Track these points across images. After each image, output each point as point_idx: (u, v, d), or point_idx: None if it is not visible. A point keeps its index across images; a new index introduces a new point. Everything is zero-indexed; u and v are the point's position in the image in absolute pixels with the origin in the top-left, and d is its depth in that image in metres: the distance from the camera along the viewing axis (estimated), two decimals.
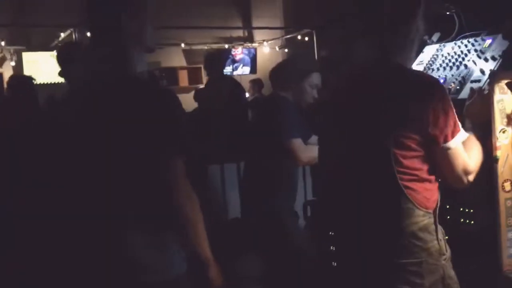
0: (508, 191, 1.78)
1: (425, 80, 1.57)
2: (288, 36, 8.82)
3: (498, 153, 1.77)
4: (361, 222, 1.59)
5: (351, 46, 1.67)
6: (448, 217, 2.13)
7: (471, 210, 2.03)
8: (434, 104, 1.48)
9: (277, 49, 9.08)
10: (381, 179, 1.53)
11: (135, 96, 1.52)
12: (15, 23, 7.56)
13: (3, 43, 7.53)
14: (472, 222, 2.02)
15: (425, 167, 1.54)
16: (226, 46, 9.03)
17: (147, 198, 1.53)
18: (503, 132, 1.77)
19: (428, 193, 1.55)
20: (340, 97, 1.69)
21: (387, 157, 1.50)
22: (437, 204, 1.58)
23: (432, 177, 1.56)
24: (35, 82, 3.83)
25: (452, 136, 1.51)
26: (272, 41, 9.02)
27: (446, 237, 1.63)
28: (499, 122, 1.77)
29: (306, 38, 8.21)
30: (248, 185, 2.77)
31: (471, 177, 1.59)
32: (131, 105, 1.51)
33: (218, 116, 3.74)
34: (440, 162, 1.54)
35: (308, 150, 2.50)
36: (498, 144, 1.77)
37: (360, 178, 1.58)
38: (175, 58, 8.74)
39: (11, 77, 4.40)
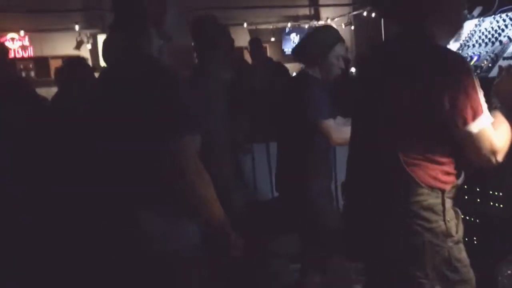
0: None
1: (447, 57, 1.49)
2: (354, 13, 8.61)
3: None
4: (370, 197, 1.59)
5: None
6: (478, 200, 2.06)
7: (500, 193, 1.94)
8: (453, 84, 1.43)
9: (343, 26, 8.90)
10: (387, 157, 1.52)
11: (144, 80, 1.57)
12: (91, 7, 7.97)
13: (77, 27, 7.96)
14: (501, 205, 1.94)
15: (437, 147, 1.50)
16: (289, 24, 8.99)
17: (158, 178, 1.57)
18: None
19: (435, 172, 1.51)
20: (367, 76, 1.67)
21: (393, 134, 1.49)
22: (449, 185, 1.53)
23: (445, 158, 1.52)
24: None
25: (473, 119, 1.45)
26: (338, 19, 8.85)
27: (466, 218, 1.63)
28: None
29: (373, 15, 7.97)
30: (284, 166, 2.78)
31: (499, 157, 1.52)
32: (141, 88, 1.56)
33: (259, 97, 3.79)
34: (463, 145, 1.49)
35: (341, 131, 2.47)
36: None
37: (371, 155, 1.58)
38: (241, 38, 8.83)
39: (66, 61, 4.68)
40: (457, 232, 1.55)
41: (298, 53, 2.74)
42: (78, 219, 1.80)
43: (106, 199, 1.66)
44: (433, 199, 1.51)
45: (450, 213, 1.54)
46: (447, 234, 1.52)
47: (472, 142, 1.47)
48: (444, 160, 1.52)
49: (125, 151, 1.60)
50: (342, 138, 2.43)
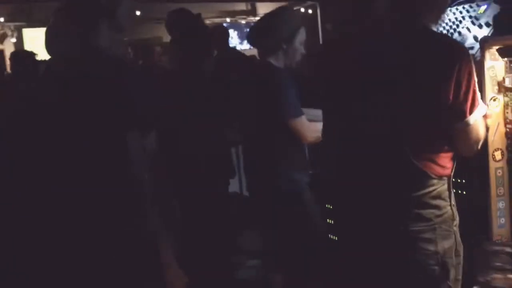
0: (499, 161, 1.75)
1: (453, 47, 1.43)
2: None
3: (489, 122, 1.72)
4: (370, 193, 1.51)
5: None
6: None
7: (463, 181, 2.00)
8: (458, 76, 1.37)
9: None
10: (395, 150, 1.45)
11: (93, 72, 1.51)
12: (16, 0, 7.52)
13: (2, 19, 7.50)
14: (465, 192, 2.00)
15: (441, 137, 1.47)
16: (229, 20, 8.93)
17: (109, 172, 1.52)
18: (494, 100, 1.73)
19: (443, 160, 1.48)
20: (349, 61, 1.53)
21: (400, 126, 1.42)
22: (452, 169, 1.52)
23: (447, 144, 1.49)
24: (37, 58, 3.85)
25: (471, 111, 1.43)
26: None
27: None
28: (490, 89, 1.73)
29: (310, 11, 8.09)
30: (258, 163, 2.58)
31: (479, 146, 1.54)
32: (90, 80, 1.50)
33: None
34: (455, 135, 1.47)
35: (313, 129, 2.29)
36: (488, 112, 1.72)
37: (373, 149, 1.49)
38: None
39: (13, 52, 4.46)
40: (456, 216, 1.55)
41: (260, 36, 2.47)
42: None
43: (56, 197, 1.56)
44: (441, 187, 1.49)
45: (453, 197, 1.54)
46: (453, 218, 1.52)
47: (465, 133, 1.46)
48: (447, 147, 1.49)
49: (74, 146, 1.53)
50: (314, 137, 2.30)
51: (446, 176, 1.49)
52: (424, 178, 1.45)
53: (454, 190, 2.00)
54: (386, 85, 1.42)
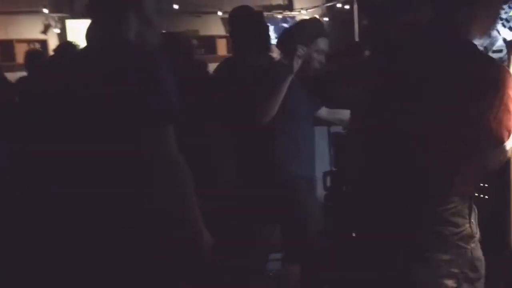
0: None
1: (497, 68, 1.40)
2: (328, 4, 8.63)
3: None
4: (392, 205, 1.51)
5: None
6: None
7: (485, 185, 1.98)
8: (500, 98, 1.35)
9: (317, 17, 8.91)
10: (424, 161, 1.44)
11: (120, 64, 1.55)
12: None
13: (46, 11, 7.71)
14: (487, 196, 1.98)
15: (469, 155, 1.44)
16: (265, 14, 8.93)
17: (135, 168, 1.55)
18: None
19: (468, 179, 1.47)
20: (388, 67, 1.54)
21: (433, 142, 1.41)
22: (474, 187, 1.52)
23: (474, 163, 1.46)
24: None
25: (509, 137, 1.41)
26: (312, 10, 8.84)
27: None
28: None
29: (347, 6, 8.01)
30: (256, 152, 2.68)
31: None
32: (116, 73, 1.53)
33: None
34: (488, 157, 1.45)
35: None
36: None
37: (399, 159, 1.48)
38: (213, 27, 8.73)
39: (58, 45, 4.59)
40: (477, 232, 1.53)
41: (280, 42, 2.74)
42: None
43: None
44: (462, 205, 1.48)
45: (473, 215, 1.53)
46: (471, 236, 1.51)
47: (498, 156, 1.45)
48: (473, 166, 1.47)
49: (98, 139, 1.57)
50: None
51: (467, 193, 1.48)
52: (447, 194, 1.44)
53: (477, 194, 2.01)
54: (421, 96, 1.41)
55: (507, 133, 1.39)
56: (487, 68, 1.39)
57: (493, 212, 1.90)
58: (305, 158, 2.65)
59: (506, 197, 1.75)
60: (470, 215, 1.50)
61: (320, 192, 2.94)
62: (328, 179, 2.97)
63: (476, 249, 1.52)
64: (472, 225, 1.50)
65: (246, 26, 2.77)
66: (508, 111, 1.36)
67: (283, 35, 2.81)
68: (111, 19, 1.63)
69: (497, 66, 1.44)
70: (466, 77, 1.36)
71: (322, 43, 2.63)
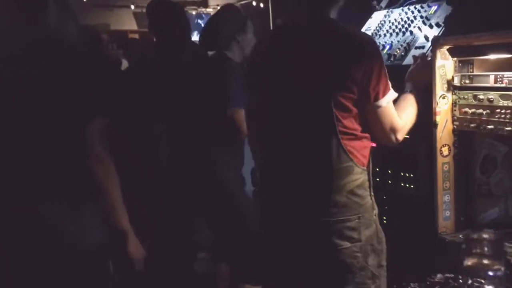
0: (446, 156, 1.82)
1: (360, 38, 1.58)
2: (242, 2, 8.65)
3: (438, 119, 1.80)
4: (297, 183, 1.59)
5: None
6: (390, 181, 2.18)
7: (411, 175, 2.07)
8: (368, 63, 1.50)
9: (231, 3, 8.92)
10: (322, 139, 1.53)
11: (48, 57, 1.48)
12: None
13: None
14: (412, 186, 2.07)
15: (360, 126, 1.57)
16: None
17: (65, 163, 1.49)
18: (443, 98, 1.80)
19: (365, 150, 1.59)
20: (272, 57, 1.64)
21: (328, 117, 1.50)
22: (369, 160, 1.62)
23: (367, 135, 1.60)
24: None
25: (383, 95, 1.55)
26: None
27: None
28: (439, 87, 1.79)
29: (262, 5, 8.09)
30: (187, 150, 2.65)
31: (399, 136, 1.63)
32: (43, 66, 1.46)
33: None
34: (370, 120, 1.57)
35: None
36: (438, 109, 1.80)
37: (298, 139, 1.58)
38: (126, 21, 8.44)
39: None
40: (376, 206, 1.65)
41: (211, 37, 2.58)
42: None
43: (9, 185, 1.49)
44: (364, 177, 1.59)
45: (372, 188, 1.63)
46: (373, 208, 1.62)
47: (378, 117, 1.56)
48: (366, 136, 1.60)
49: (27, 135, 1.48)
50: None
51: (365, 166, 1.59)
52: (351, 166, 1.54)
53: (403, 184, 2.11)
54: (302, 72, 1.52)
55: (381, 89, 1.53)
56: (355, 40, 1.54)
57: (420, 202, 2.00)
58: (236, 155, 2.63)
59: (432, 186, 1.84)
60: (370, 187, 1.61)
61: (249, 187, 2.93)
62: (257, 174, 2.95)
63: (377, 221, 1.63)
64: (372, 198, 1.62)
65: (169, 18, 2.64)
66: (379, 72, 1.52)
67: (208, 33, 2.64)
68: (32, 9, 1.52)
69: (362, 37, 1.61)
70: (341, 48, 1.50)
71: (252, 25, 2.56)
